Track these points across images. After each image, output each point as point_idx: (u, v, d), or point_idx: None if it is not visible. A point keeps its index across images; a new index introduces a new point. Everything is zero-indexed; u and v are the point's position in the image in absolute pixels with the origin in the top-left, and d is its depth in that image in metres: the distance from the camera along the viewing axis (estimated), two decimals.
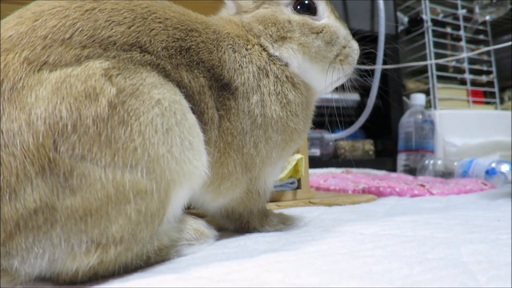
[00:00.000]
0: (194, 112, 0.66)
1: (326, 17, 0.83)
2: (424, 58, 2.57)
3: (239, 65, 0.74)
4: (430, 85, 2.56)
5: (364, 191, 1.53)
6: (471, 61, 2.75)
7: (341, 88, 0.88)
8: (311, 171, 1.73)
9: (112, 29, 0.61)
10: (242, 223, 0.83)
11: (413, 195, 1.45)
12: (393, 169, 2.45)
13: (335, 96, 0.91)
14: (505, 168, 1.78)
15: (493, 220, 0.86)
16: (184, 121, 0.62)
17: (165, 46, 0.65)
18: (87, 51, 0.57)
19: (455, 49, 2.73)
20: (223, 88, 0.72)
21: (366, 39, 0.90)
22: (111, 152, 0.53)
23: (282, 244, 0.69)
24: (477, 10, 2.63)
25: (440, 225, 0.82)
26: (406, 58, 2.67)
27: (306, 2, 0.81)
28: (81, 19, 0.59)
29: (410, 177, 2.01)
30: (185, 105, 0.64)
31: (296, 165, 1.24)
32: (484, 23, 2.78)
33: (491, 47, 2.59)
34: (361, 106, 2.30)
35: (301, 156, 1.24)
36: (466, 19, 2.74)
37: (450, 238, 0.70)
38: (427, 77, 2.59)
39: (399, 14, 2.66)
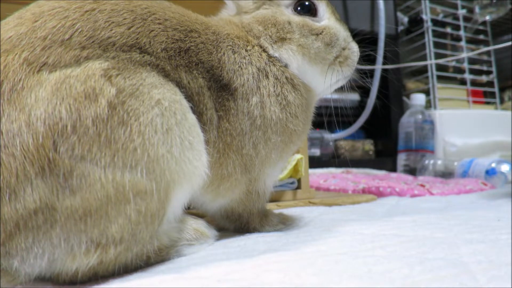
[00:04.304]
0: (193, 112, 0.66)
1: (326, 18, 0.83)
2: (424, 58, 2.57)
3: (239, 66, 0.74)
4: (430, 85, 2.56)
5: (364, 191, 1.53)
6: (471, 61, 2.75)
7: (341, 88, 0.88)
8: (311, 171, 1.73)
9: (111, 30, 0.61)
10: (242, 223, 0.83)
11: (413, 195, 1.45)
12: (393, 169, 2.45)
13: (335, 96, 0.91)
14: (505, 168, 1.78)
15: (493, 220, 0.86)
16: (184, 121, 0.62)
17: (164, 47, 0.65)
18: (86, 51, 0.57)
19: (455, 49, 2.73)
20: (222, 89, 0.72)
21: (366, 41, 0.90)
22: (110, 152, 0.53)
23: (282, 244, 0.69)
24: (477, 10, 2.63)
25: (440, 225, 0.82)
26: (406, 58, 2.67)
27: (307, 3, 0.81)
28: (80, 20, 0.59)
29: (410, 177, 2.01)
30: (185, 105, 0.63)
31: (296, 165, 1.24)
32: (484, 23, 2.78)
33: (491, 47, 2.59)
34: (361, 106, 2.30)
35: (301, 156, 1.24)
36: (466, 19, 2.74)
37: (450, 238, 0.70)
38: (427, 77, 2.59)
39: (399, 14, 2.66)
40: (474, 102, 2.71)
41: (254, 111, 0.74)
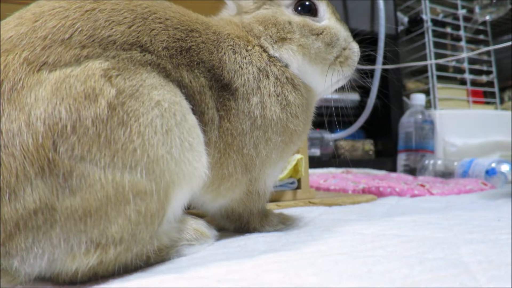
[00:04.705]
0: (194, 112, 0.66)
1: (326, 18, 0.83)
2: (424, 58, 2.57)
3: (239, 67, 0.74)
4: (430, 85, 2.56)
5: (364, 191, 1.53)
6: (471, 61, 2.75)
7: (341, 88, 0.88)
8: (311, 171, 1.73)
9: (112, 28, 0.61)
10: (242, 223, 0.83)
11: (413, 195, 1.45)
12: (393, 169, 2.45)
13: (335, 96, 0.91)
14: (505, 168, 1.78)
15: (493, 220, 0.86)
16: (184, 122, 0.62)
17: (165, 46, 0.65)
18: (86, 51, 0.57)
19: (455, 49, 2.73)
20: (223, 88, 0.72)
21: (366, 41, 0.90)
22: (110, 153, 0.53)
23: (282, 244, 0.69)
24: (477, 10, 2.63)
25: (440, 225, 0.82)
26: (406, 58, 2.67)
27: (307, 3, 0.81)
28: (80, 20, 0.59)
29: (410, 177, 2.01)
30: (185, 106, 0.63)
31: (296, 165, 1.24)
32: (484, 23, 2.78)
33: (491, 47, 2.59)
34: (361, 106, 2.30)
35: (301, 156, 1.24)
36: (466, 19, 2.74)
37: (450, 238, 0.70)
38: (427, 77, 2.59)
39: (399, 14, 2.66)
40: (474, 102, 2.71)
41: (254, 111, 0.74)
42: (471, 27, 2.74)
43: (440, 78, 2.59)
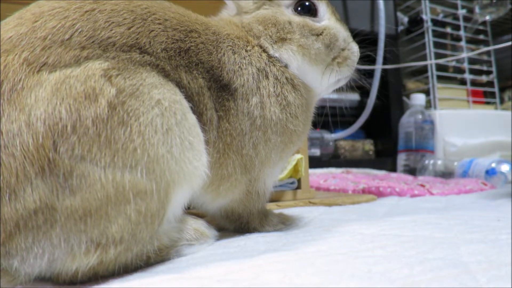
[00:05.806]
0: (193, 112, 0.66)
1: (326, 19, 0.83)
2: (424, 58, 2.57)
3: (239, 67, 0.74)
4: (430, 85, 2.56)
5: (364, 191, 1.53)
6: (471, 61, 2.75)
7: (341, 89, 0.88)
8: (311, 171, 1.73)
9: (111, 30, 0.61)
10: (242, 223, 0.83)
11: (413, 195, 1.45)
12: (393, 169, 2.45)
13: (335, 96, 0.92)
14: (505, 168, 1.78)
15: (493, 220, 0.86)
16: (184, 121, 0.62)
17: (164, 47, 0.65)
18: (86, 52, 0.57)
19: (455, 49, 2.73)
20: (222, 89, 0.72)
21: (366, 41, 0.90)
22: (110, 152, 0.53)
23: (282, 244, 0.69)
24: (477, 10, 2.63)
25: (440, 225, 0.82)
26: (406, 58, 2.67)
27: (307, 3, 0.81)
28: (80, 20, 0.59)
29: (410, 177, 2.01)
30: (185, 105, 0.64)
31: (296, 165, 1.24)
32: (484, 23, 2.78)
33: (491, 47, 2.59)
34: (361, 106, 2.30)
35: (301, 156, 1.24)
36: (466, 19, 2.74)
37: (450, 238, 0.70)
38: (427, 77, 2.59)
39: (399, 14, 2.66)
40: (474, 102, 2.71)
41: (254, 112, 0.74)
42: (471, 27, 2.74)
43: (440, 78, 2.59)
